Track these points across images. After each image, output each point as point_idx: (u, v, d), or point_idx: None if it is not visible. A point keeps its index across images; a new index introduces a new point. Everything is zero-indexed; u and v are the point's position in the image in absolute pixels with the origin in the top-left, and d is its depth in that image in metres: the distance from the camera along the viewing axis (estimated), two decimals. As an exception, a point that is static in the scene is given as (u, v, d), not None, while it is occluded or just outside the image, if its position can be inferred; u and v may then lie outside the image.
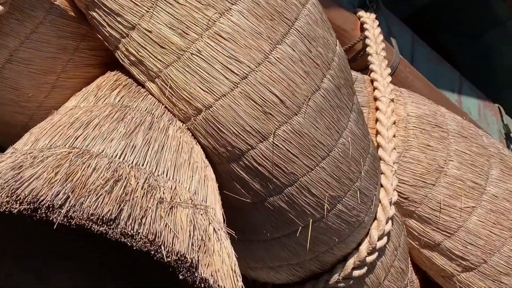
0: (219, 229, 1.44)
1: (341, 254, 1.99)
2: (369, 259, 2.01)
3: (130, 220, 1.23)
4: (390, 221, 2.04)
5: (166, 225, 1.27)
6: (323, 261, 1.99)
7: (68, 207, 1.21)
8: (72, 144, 1.42)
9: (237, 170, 1.68)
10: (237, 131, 1.60)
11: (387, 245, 2.07)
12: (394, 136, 2.23)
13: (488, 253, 2.15)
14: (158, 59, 1.61)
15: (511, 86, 4.43)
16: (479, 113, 3.47)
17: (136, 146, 1.45)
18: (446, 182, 2.18)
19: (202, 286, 1.29)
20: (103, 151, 1.41)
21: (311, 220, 1.80)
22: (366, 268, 2.02)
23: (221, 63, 1.57)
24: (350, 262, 2.00)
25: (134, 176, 1.35)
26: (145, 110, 1.60)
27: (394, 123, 2.26)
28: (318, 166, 1.72)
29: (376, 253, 2.03)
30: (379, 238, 2.01)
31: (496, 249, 2.15)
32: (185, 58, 1.58)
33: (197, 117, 1.62)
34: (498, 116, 3.65)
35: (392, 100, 2.31)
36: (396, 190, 2.10)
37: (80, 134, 1.46)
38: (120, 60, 1.69)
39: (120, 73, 1.74)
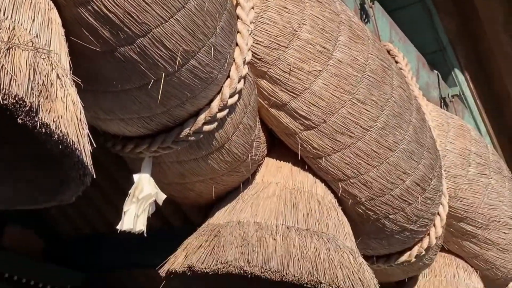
0: (63, 76, 1.39)
1: (192, 109, 2.03)
2: (220, 115, 2.08)
3: (-41, 58, 1.13)
4: (242, 80, 2.10)
5: (2, 67, 1.19)
6: (175, 115, 2.02)
7: None
8: None
9: (85, 16, 1.58)
10: (85, -28, 1.49)
11: (238, 103, 2.14)
12: (253, -5, 2.22)
13: (328, 114, 2.31)
14: None
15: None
16: (338, -18, 3.54)
17: (-34, -21, 1.30)
18: (297, 45, 2.25)
19: (43, 131, 1.26)
20: None
21: (163, 73, 1.79)
22: (216, 123, 2.10)
23: None
24: (201, 117, 2.05)
25: (-36, 11, 1.22)
26: None
27: (254, -18, 2.24)
28: (173, 18, 1.68)
29: (227, 110, 2.10)
30: (231, 96, 2.07)
31: (335, 111, 2.31)
32: None
33: (39, -49, 1.46)
34: (355, -13, 3.75)
35: (254, -41, 2.26)
36: (251, 50, 2.14)
37: None
38: None
39: None
